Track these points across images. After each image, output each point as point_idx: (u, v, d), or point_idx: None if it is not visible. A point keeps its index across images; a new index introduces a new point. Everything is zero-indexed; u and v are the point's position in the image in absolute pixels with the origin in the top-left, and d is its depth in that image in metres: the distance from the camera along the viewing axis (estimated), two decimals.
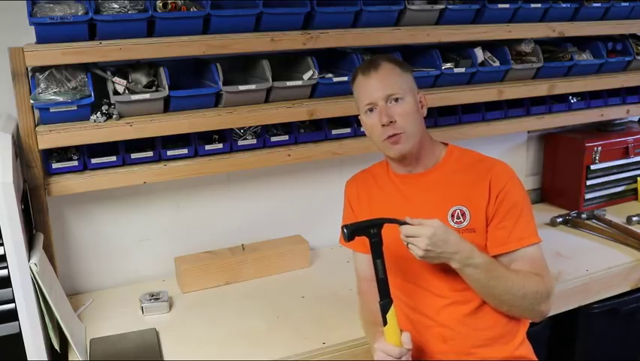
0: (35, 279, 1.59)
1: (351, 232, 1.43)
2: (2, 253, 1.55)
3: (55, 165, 1.87)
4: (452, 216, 1.54)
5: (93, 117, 1.84)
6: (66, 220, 2.08)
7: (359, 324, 1.74)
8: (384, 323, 1.43)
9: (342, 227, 1.44)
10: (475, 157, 1.63)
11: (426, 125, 1.62)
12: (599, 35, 2.64)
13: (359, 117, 1.64)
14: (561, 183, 2.85)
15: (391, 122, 1.52)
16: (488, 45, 2.44)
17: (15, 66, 1.72)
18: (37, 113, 1.81)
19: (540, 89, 2.51)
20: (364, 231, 1.44)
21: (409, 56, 2.29)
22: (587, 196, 2.76)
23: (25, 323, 1.60)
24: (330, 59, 2.23)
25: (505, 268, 1.49)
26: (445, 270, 1.53)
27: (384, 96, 1.52)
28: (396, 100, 1.53)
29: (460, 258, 1.41)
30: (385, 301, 1.43)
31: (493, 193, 1.52)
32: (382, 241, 1.44)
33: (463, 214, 1.54)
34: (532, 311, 1.51)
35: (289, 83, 2.05)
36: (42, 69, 1.80)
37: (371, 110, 1.56)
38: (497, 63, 2.42)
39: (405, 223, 1.43)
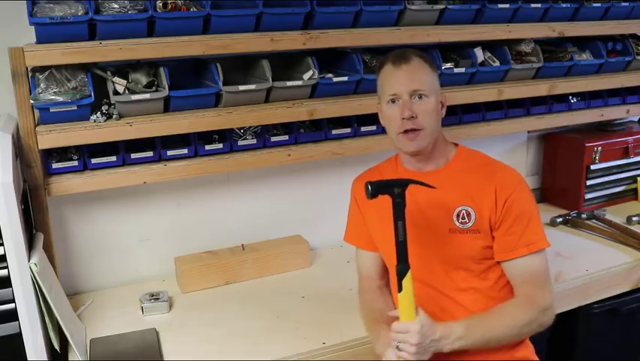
0: (35, 279, 1.58)
1: (375, 188, 1.40)
2: (2, 253, 1.55)
3: (55, 165, 1.87)
4: (457, 216, 1.54)
5: (93, 117, 1.84)
6: (66, 220, 2.07)
7: (359, 324, 1.73)
8: (400, 289, 1.39)
9: (366, 183, 1.41)
10: (483, 159, 1.62)
11: None
12: (599, 35, 2.64)
13: (378, 106, 1.63)
14: (561, 183, 2.84)
15: (412, 117, 1.51)
16: (488, 45, 2.44)
17: (15, 66, 1.72)
18: (37, 113, 1.81)
19: (540, 89, 2.51)
20: (388, 189, 1.41)
21: None
22: (587, 196, 2.76)
23: (25, 323, 1.60)
24: (330, 59, 2.23)
25: (487, 317, 1.50)
26: (451, 270, 1.55)
27: (409, 90, 1.52)
28: (420, 97, 1.52)
29: (447, 341, 1.42)
30: (402, 266, 1.39)
31: (499, 200, 1.52)
32: (405, 202, 1.41)
33: (469, 215, 1.54)
34: (536, 330, 1.53)
35: (289, 83, 2.05)
36: (42, 69, 1.80)
37: (393, 101, 1.54)
38: (497, 63, 2.42)
39: (430, 186, 1.44)
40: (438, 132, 1.58)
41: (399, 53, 1.57)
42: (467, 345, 1.44)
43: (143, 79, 1.91)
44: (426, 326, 1.39)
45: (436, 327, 1.41)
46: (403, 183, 1.42)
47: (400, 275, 1.39)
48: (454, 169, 1.60)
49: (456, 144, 1.66)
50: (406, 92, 1.52)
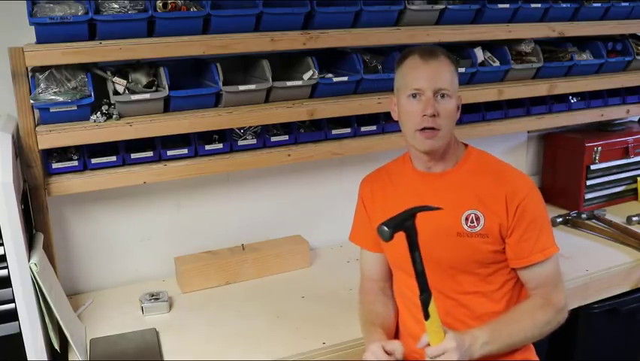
0: (35, 279, 1.59)
1: (393, 229, 1.33)
2: (2, 253, 1.55)
3: (55, 165, 1.87)
4: (466, 219, 1.52)
5: (93, 117, 1.84)
6: (66, 220, 2.07)
7: (359, 324, 1.74)
8: (426, 317, 1.37)
9: (381, 226, 1.32)
10: (493, 163, 1.60)
11: None
12: (599, 35, 2.64)
13: (392, 99, 1.59)
14: (561, 183, 2.84)
15: (434, 115, 1.47)
16: (488, 45, 2.44)
17: (15, 66, 1.72)
18: (37, 113, 1.81)
19: (540, 89, 2.51)
20: (403, 226, 1.35)
21: None
22: (587, 196, 2.76)
23: (25, 323, 1.60)
24: (330, 59, 2.23)
25: (508, 320, 1.50)
26: (457, 273, 1.54)
27: (434, 88, 1.48)
28: (443, 96, 1.49)
29: (475, 348, 1.40)
30: (426, 295, 1.36)
31: (510, 207, 1.50)
32: (417, 231, 1.35)
33: (477, 219, 1.51)
34: (554, 329, 1.54)
35: (289, 83, 2.05)
36: (42, 69, 1.80)
37: (415, 95, 1.50)
38: (497, 63, 2.42)
39: (435, 208, 1.39)
40: (452, 134, 1.56)
41: (428, 48, 1.54)
42: (494, 350, 1.44)
43: (143, 79, 1.91)
44: (458, 340, 1.36)
45: (463, 337, 1.39)
46: (411, 215, 1.36)
47: (425, 304, 1.37)
48: (464, 171, 1.58)
49: (465, 145, 1.64)
50: (431, 88, 1.48)
